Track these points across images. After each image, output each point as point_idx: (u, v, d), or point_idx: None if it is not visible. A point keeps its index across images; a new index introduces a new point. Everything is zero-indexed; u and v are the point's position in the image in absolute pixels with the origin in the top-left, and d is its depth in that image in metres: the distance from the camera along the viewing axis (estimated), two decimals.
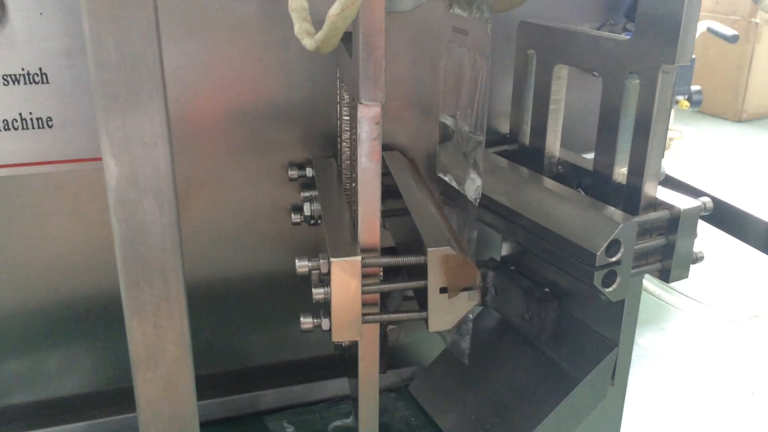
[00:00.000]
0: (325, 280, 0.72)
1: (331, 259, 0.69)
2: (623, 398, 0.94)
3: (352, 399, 1.06)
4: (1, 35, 0.81)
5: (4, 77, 0.83)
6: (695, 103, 2.94)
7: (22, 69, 0.83)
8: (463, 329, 0.87)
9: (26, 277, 0.96)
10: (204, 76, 0.91)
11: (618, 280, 0.77)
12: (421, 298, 0.76)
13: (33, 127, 0.86)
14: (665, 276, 0.82)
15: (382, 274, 0.75)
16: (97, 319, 1.00)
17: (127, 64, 0.53)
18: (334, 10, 0.55)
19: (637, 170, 0.80)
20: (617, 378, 0.90)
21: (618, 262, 0.76)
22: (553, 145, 0.95)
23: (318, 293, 0.71)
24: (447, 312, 0.74)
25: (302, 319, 0.74)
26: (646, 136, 0.77)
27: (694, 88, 2.87)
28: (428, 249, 0.72)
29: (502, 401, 0.95)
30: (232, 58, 0.91)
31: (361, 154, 0.68)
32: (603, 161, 0.84)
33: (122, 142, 0.55)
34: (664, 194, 0.82)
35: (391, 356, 0.94)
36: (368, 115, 0.67)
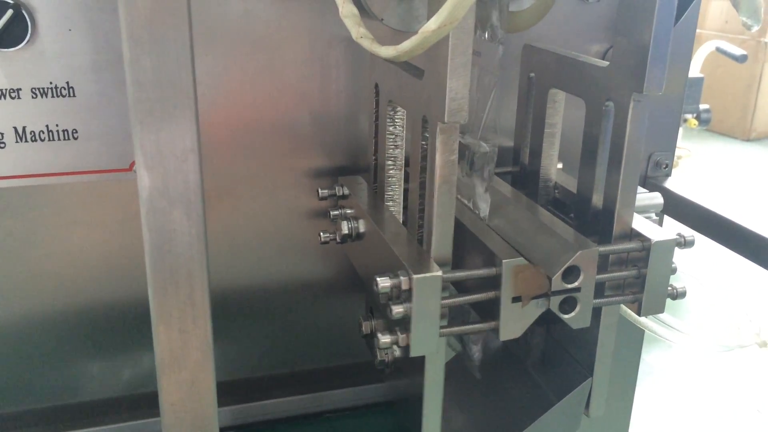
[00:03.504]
0: (403, 296, 0.72)
1: (414, 276, 0.70)
2: (629, 414, 0.96)
3: (390, 404, 1.04)
4: (31, 50, 0.84)
5: (33, 90, 0.86)
6: (704, 121, 2.96)
7: (50, 83, 0.86)
8: (474, 342, 0.89)
9: (47, 285, 0.98)
10: (223, 92, 0.94)
11: (578, 307, 0.76)
12: (488, 309, 0.77)
13: (59, 139, 0.89)
14: (639, 309, 0.81)
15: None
16: (116, 327, 1.02)
17: (162, 83, 0.56)
18: (432, 26, 0.56)
19: (611, 199, 0.80)
20: (592, 409, 0.88)
21: (577, 289, 0.76)
22: (549, 168, 0.95)
23: (398, 310, 0.71)
24: (517, 321, 0.75)
25: (381, 338, 0.74)
26: (620, 164, 0.78)
27: (703, 106, 2.90)
28: (503, 261, 0.73)
29: (484, 419, 0.95)
30: (251, 74, 0.94)
31: (438, 173, 0.70)
32: (584, 188, 0.85)
33: (155, 156, 0.58)
34: (641, 224, 0.81)
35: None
36: (449, 134, 0.68)
